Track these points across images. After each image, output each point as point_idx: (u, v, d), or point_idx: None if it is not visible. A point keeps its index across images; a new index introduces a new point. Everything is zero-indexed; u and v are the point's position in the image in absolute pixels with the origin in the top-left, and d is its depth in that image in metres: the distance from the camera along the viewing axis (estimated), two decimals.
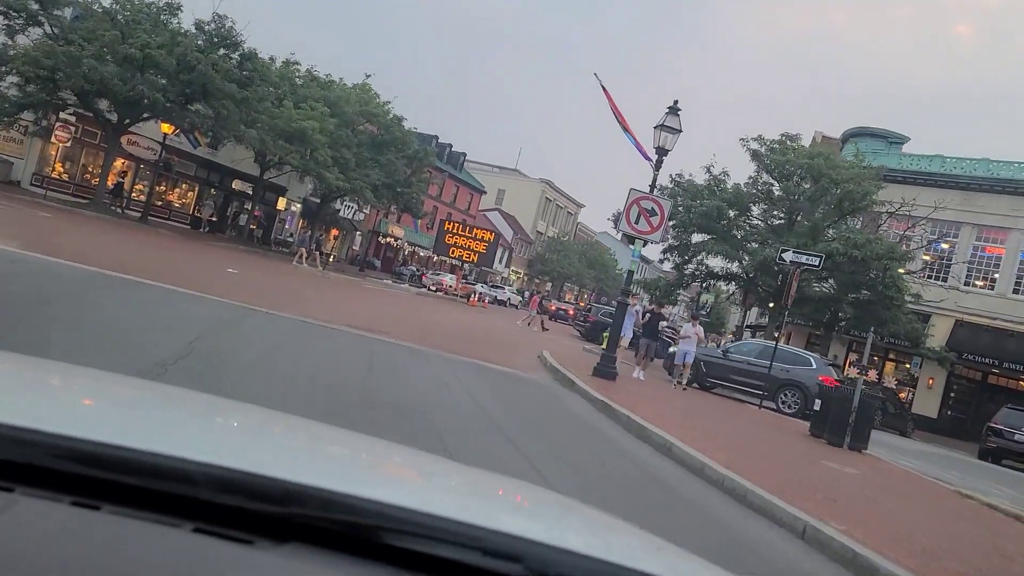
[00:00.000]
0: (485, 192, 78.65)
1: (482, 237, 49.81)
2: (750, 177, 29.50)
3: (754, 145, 28.88)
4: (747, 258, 27.93)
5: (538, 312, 35.47)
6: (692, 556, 1.24)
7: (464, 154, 74.90)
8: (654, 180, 15.20)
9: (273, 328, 11.39)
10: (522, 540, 0.90)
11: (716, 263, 30.15)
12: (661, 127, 14.63)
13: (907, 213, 29.27)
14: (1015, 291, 31.86)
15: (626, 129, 14.74)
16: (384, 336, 13.70)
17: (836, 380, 22.56)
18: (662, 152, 14.66)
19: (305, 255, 37.12)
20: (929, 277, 31.85)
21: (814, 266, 18.44)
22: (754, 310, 41.98)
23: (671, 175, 30.17)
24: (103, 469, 0.82)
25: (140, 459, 0.84)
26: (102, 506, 0.79)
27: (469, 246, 49.32)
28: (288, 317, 12.81)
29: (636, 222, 14.47)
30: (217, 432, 1.34)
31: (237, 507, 0.82)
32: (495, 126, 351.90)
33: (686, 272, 30.69)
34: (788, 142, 28.79)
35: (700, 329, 18.65)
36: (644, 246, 15.55)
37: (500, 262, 73.55)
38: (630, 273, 15.51)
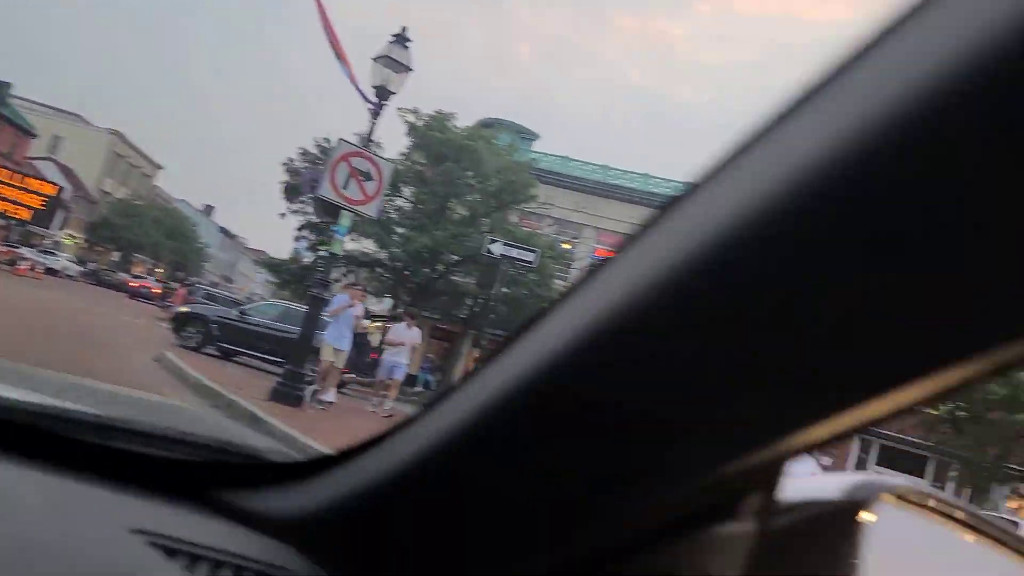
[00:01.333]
0: (37, 136, 64.19)
1: (38, 189, 39.37)
2: (402, 154, 26.35)
3: (411, 118, 25.85)
4: (397, 246, 24.73)
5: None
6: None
7: (9, 84, 59.83)
8: (370, 132, 11.08)
9: None
10: None
11: (358, 247, 26.36)
12: (383, 59, 10.63)
13: (543, 213, 28.90)
14: None
15: (339, 55, 10.45)
16: None
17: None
18: (384, 94, 10.67)
19: None
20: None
21: (527, 262, 16.06)
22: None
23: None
24: None
25: None
26: None
27: (18, 199, 38.59)
28: None
29: (344, 187, 10.30)
30: None
31: None
32: (57, 57, 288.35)
33: (319, 254, 26.44)
34: (445, 120, 26.28)
35: (417, 333, 13.83)
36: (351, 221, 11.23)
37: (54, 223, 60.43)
38: (332, 256, 11.15)
